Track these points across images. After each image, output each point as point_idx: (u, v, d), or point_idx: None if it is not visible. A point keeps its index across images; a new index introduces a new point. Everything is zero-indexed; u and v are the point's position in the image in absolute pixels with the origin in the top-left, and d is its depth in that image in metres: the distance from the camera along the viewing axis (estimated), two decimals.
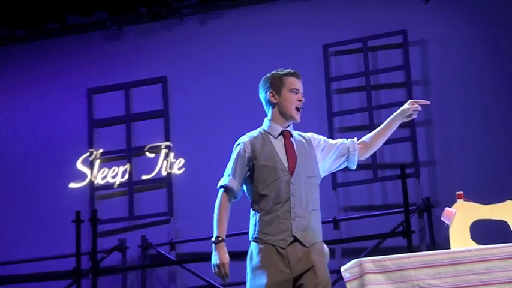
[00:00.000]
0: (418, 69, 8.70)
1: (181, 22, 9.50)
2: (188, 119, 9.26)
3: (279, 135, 4.53)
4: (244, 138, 4.58)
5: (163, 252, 8.92)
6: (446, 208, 4.50)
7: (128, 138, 9.37)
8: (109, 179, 9.34)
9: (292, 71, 4.65)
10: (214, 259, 4.40)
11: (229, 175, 4.56)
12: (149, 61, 9.52)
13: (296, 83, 4.59)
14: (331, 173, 8.51)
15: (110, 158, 9.41)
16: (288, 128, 4.55)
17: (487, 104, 8.40)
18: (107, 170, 9.37)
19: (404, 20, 8.73)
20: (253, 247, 4.45)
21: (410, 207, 7.94)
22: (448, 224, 4.46)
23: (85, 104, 9.57)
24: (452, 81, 8.58)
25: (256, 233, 4.44)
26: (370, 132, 8.29)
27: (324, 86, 8.82)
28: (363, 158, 4.68)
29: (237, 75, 9.12)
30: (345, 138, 4.63)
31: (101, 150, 9.41)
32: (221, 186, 4.58)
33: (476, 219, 4.44)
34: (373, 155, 8.47)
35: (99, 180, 9.35)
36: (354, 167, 4.66)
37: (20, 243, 9.29)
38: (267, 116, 4.62)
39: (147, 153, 9.29)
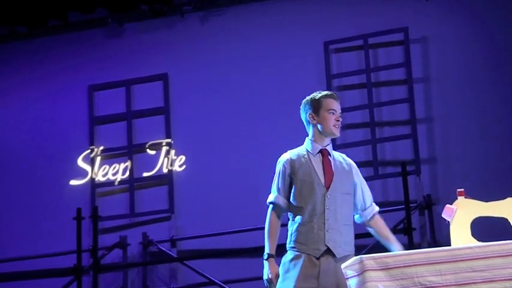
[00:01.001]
0: (419, 66, 8.69)
1: (182, 19, 9.50)
2: (189, 116, 9.26)
3: (318, 153, 4.87)
4: (285, 156, 4.93)
5: (164, 249, 8.93)
6: (447, 205, 4.50)
7: (129, 136, 9.37)
8: (110, 176, 9.34)
9: (329, 93, 5.04)
10: (266, 274, 4.76)
11: (275, 191, 4.90)
12: (150, 58, 9.51)
13: (333, 104, 4.95)
14: None
15: (111, 155, 9.41)
16: (327, 147, 4.91)
17: (488, 102, 8.40)
18: (107, 167, 9.37)
19: (405, 18, 8.73)
20: (288, 255, 4.77)
21: (411, 205, 7.95)
22: (448, 221, 4.47)
23: (86, 101, 9.57)
24: (453, 78, 8.57)
25: (292, 242, 4.77)
26: (370, 130, 8.32)
27: (325, 83, 8.82)
28: (365, 225, 5.05)
29: (238, 72, 9.12)
30: (373, 206, 5.02)
31: (101, 147, 9.42)
32: (270, 203, 4.91)
33: (477, 216, 4.44)
34: (374, 152, 8.49)
35: (100, 178, 9.36)
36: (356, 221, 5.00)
37: (21, 240, 9.29)
38: (307, 135, 4.97)
39: (148, 151, 9.30)
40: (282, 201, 4.85)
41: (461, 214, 4.43)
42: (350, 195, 4.88)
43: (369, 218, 4.97)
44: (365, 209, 4.97)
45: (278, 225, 4.85)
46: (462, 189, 4.52)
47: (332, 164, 4.86)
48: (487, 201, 4.49)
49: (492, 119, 8.36)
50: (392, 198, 8.47)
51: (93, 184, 9.34)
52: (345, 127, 8.80)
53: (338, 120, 4.90)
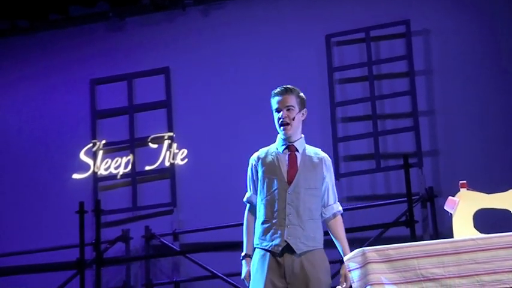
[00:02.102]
0: (420, 59, 8.68)
1: (183, 13, 9.49)
2: (191, 110, 9.26)
3: (285, 149, 4.88)
4: (255, 154, 4.98)
5: (166, 242, 8.94)
6: (450, 197, 4.50)
7: (131, 129, 9.37)
8: (112, 170, 9.35)
9: (274, 91, 4.96)
10: (242, 273, 4.86)
11: (248, 190, 4.98)
12: (152, 52, 9.51)
13: (277, 103, 4.91)
14: (334, 163, 8.59)
15: (113, 149, 9.41)
16: (295, 143, 4.89)
17: (490, 94, 8.39)
18: (110, 160, 9.38)
19: (407, 10, 8.72)
20: (255, 253, 4.79)
21: (413, 197, 7.95)
22: (451, 214, 4.47)
23: (88, 95, 9.58)
24: (455, 71, 8.57)
25: (256, 239, 4.83)
26: (372, 123, 8.32)
27: (327, 76, 8.82)
28: (326, 223, 4.97)
29: (240, 66, 9.12)
30: (333, 206, 4.92)
31: (104, 141, 9.42)
32: (245, 201, 4.99)
33: (479, 208, 4.44)
34: (376, 145, 8.49)
35: (102, 171, 9.36)
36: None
37: (24, 234, 9.31)
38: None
39: (150, 144, 9.30)
40: (254, 199, 4.91)
41: (464, 206, 4.43)
42: (317, 190, 4.83)
43: (328, 216, 4.90)
44: (326, 206, 4.90)
45: (252, 224, 4.89)
46: (464, 181, 4.51)
47: (298, 160, 4.84)
48: (489, 193, 4.49)
49: (494, 111, 8.35)
50: (395, 191, 8.48)
51: (95, 178, 9.35)
52: (346, 120, 8.85)
53: (280, 118, 4.87)
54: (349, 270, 4.17)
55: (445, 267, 4.00)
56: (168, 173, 9.18)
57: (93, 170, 9.36)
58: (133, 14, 9.66)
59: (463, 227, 4.38)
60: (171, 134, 9.25)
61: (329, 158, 4.97)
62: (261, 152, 4.95)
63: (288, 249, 4.69)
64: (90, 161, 9.39)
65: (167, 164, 9.20)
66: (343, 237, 4.91)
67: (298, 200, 4.73)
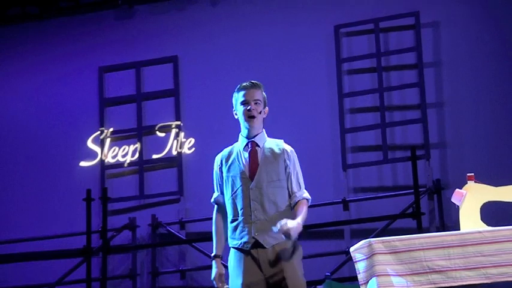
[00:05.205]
0: (429, 51, 8.66)
1: (193, 1, 9.48)
2: (199, 99, 9.26)
3: (245, 146, 4.85)
4: (219, 155, 4.96)
5: (173, 231, 8.96)
6: (457, 189, 4.50)
7: (139, 117, 9.38)
8: (119, 158, 9.36)
9: (241, 85, 4.94)
10: (212, 274, 4.86)
11: (215, 190, 4.95)
12: (160, 40, 9.51)
13: (244, 95, 4.87)
14: (342, 154, 8.59)
15: (121, 137, 9.42)
16: (255, 139, 4.84)
17: (498, 86, 8.37)
18: (117, 148, 9.39)
19: (416, 2, 8.69)
20: (230, 253, 4.81)
21: (420, 189, 7.94)
22: (458, 206, 4.46)
23: (96, 83, 9.58)
24: (463, 63, 8.54)
25: (229, 238, 4.82)
26: (380, 114, 8.33)
27: (335, 67, 8.81)
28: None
29: (248, 55, 9.11)
30: (297, 194, 4.79)
31: (111, 129, 9.43)
32: (212, 202, 4.97)
33: (486, 201, 4.44)
34: (384, 136, 8.48)
35: (109, 159, 9.38)
36: None
37: (31, 221, 9.33)
38: None
39: (158, 133, 9.30)
40: (222, 199, 4.89)
41: (471, 199, 4.42)
42: (280, 181, 4.76)
43: (293, 205, 4.81)
44: (291, 195, 4.79)
45: (221, 224, 4.88)
46: (472, 174, 4.51)
47: (259, 154, 4.80)
48: (496, 186, 4.49)
49: (503, 104, 8.34)
50: (402, 183, 8.48)
51: (102, 166, 9.37)
52: (354, 111, 8.84)
53: (249, 110, 4.80)
54: (356, 261, 4.17)
55: (451, 259, 4.00)
56: (175, 161, 9.19)
57: (101, 158, 9.38)
58: (142, 2, 9.65)
59: (470, 220, 4.38)
60: (178, 122, 9.26)
61: (291, 148, 4.87)
62: (224, 152, 4.93)
63: (258, 244, 4.66)
64: (97, 149, 9.40)
65: (174, 152, 9.21)
66: (298, 214, 4.70)
67: (262, 195, 4.69)
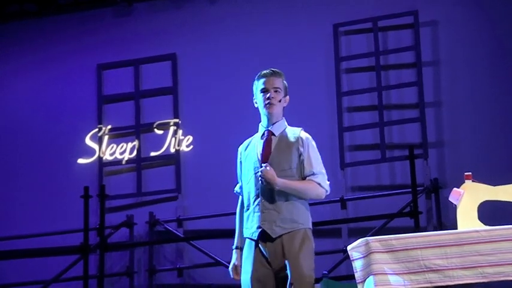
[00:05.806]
0: (428, 50, 8.66)
1: (191, 0, 9.48)
2: (197, 97, 9.26)
3: (262, 135, 4.85)
4: (240, 146, 4.97)
5: (170, 228, 8.96)
6: (454, 189, 4.50)
7: (137, 115, 9.38)
8: (117, 155, 9.36)
9: (260, 73, 4.95)
10: (230, 264, 4.88)
11: (239, 181, 4.95)
12: (159, 38, 9.51)
13: (264, 83, 4.87)
14: (339, 153, 8.59)
15: (119, 134, 9.43)
16: (272, 127, 4.82)
17: (497, 85, 8.37)
18: (115, 146, 9.39)
19: (415, 1, 8.69)
20: (245, 243, 4.79)
21: (417, 188, 7.93)
22: (455, 205, 4.47)
23: (94, 80, 9.58)
24: (462, 62, 8.54)
25: (243, 229, 4.82)
26: (378, 113, 8.33)
27: (334, 65, 8.81)
28: None
29: (247, 53, 9.10)
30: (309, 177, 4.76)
31: (109, 126, 9.43)
32: (235, 192, 5.00)
33: (484, 200, 4.44)
34: (382, 135, 8.48)
35: (107, 156, 9.38)
36: None
37: (28, 217, 9.33)
38: None
39: (156, 130, 9.31)
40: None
41: (468, 198, 4.42)
42: (292, 170, 4.72)
43: None
44: (304, 178, 4.74)
45: (242, 215, 4.87)
46: (469, 173, 4.51)
47: (273, 143, 4.77)
48: (494, 185, 4.49)
49: (501, 103, 8.33)
50: (399, 182, 8.48)
51: (100, 163, 9.37)
52: (352, 109, 8.85)
53: (268, 98, 4.79)
54: (353, 260, 4.17)
55: (448, 258, 4.00)
56: (173, 159, 9.19)
57: (99, 155, 9.38)
58: None
59: (467, 219, 4.38)
60: (176, 120, 9.26)
61: (307, 135, 4.83)
62: (245, 142, 4.95)
63: (267, 236, 4.64)
64: (95, 146, 9.41)
65: (172, 150, 9.21)
66: (294, 181, 4.70)
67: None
